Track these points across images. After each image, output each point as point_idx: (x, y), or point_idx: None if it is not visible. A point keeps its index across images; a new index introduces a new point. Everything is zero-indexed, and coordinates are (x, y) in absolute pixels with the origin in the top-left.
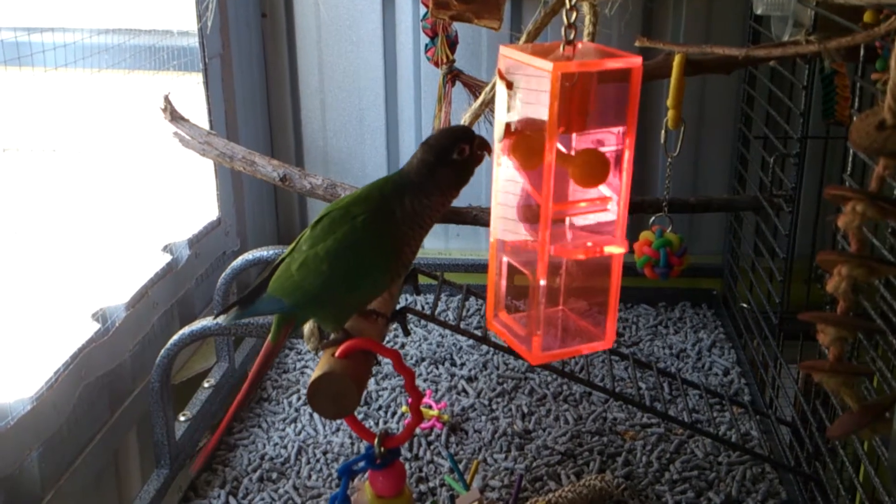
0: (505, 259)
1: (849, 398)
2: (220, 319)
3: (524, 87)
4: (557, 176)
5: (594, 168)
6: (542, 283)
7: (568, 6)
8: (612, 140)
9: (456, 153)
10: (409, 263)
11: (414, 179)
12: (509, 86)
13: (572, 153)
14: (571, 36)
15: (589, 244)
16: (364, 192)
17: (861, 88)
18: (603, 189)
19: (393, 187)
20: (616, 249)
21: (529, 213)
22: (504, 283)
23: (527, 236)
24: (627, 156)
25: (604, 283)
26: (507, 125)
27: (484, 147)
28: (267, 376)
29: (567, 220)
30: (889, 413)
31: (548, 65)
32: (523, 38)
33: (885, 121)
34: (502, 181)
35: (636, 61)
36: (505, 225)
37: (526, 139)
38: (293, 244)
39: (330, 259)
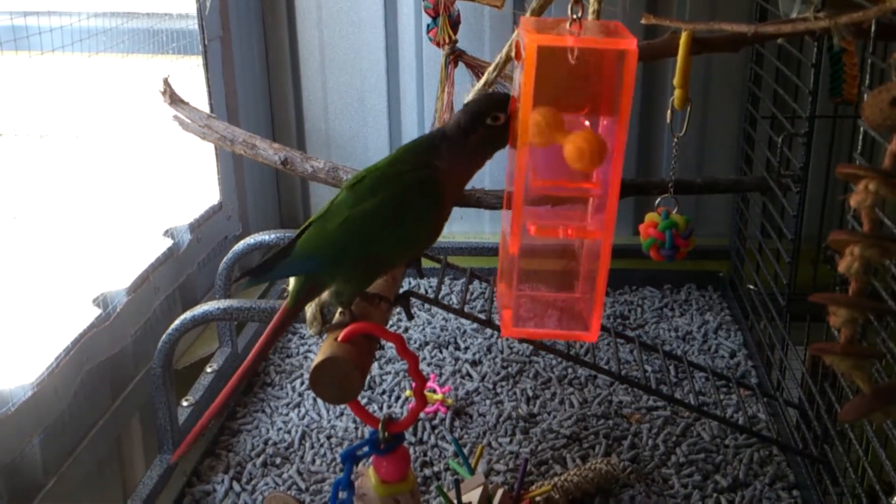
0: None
1: (860, 381)
2: (240, 284)
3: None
4: (551, 156)
5: (590, 150)
6: (516, 259)
7: None
8: (608, 123)
9: (490, 119)
10: (447, 219)
11: (449, 140)
12: (518, 57)
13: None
14: (579, 13)
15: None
16: (402, 152)
17: (872, 65)
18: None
19: (430, 143)
20: (593, 235)
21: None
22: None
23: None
24: (616, 142)
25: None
26: (513, 99)
27: None
28: (270, 361)
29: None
30: None
31: (529, 37)
32: (527, 15)
33: None
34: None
35: (630, 44)
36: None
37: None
38: (322, 209)
39: (377, 214)
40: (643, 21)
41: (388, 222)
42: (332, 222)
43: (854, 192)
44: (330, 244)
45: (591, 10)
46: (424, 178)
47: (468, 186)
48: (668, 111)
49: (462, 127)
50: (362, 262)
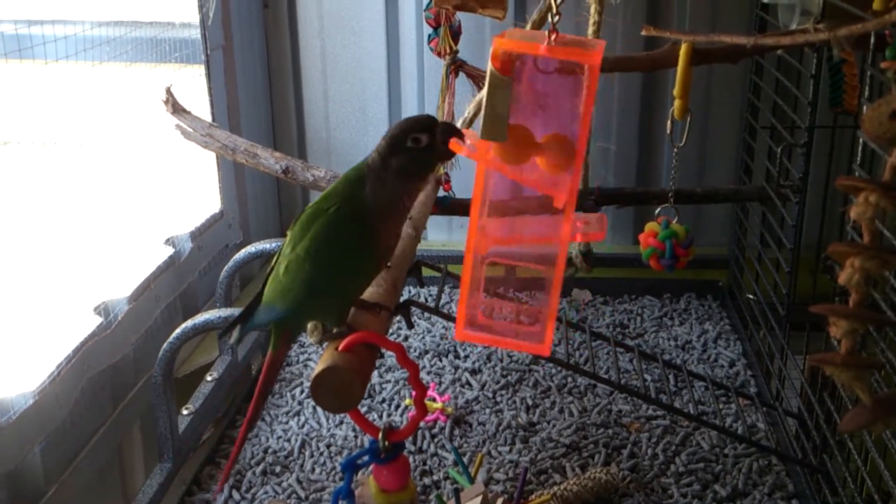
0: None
1: (861, 391)
2: (228, 339)
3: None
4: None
5: (562, 154)
6: (469, 262)
7: None
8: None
9: (410, 142)
10: (392, 247)
11: (372, 167)
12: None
13: (539, 141)
14: (556, 20)
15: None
16: (335, 186)
17: (871, 77)
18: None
19: (357, 176)
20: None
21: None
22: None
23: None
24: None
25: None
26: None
27: (450, 134)
28: None
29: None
30: None
31: (496, 42)
32: (528, 27)
33: None
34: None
35: (595, 59)
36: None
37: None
38: (278, 253)
39: (310, 256)
40: (643, 33)
41: (323, 261)
42: (280, 268)
43: (854, 204)
44: (282, 293)
45: (591, 21)
46: (346, 213)
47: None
48: (669, 121)
49: (381, 154)
50: (317, 301)
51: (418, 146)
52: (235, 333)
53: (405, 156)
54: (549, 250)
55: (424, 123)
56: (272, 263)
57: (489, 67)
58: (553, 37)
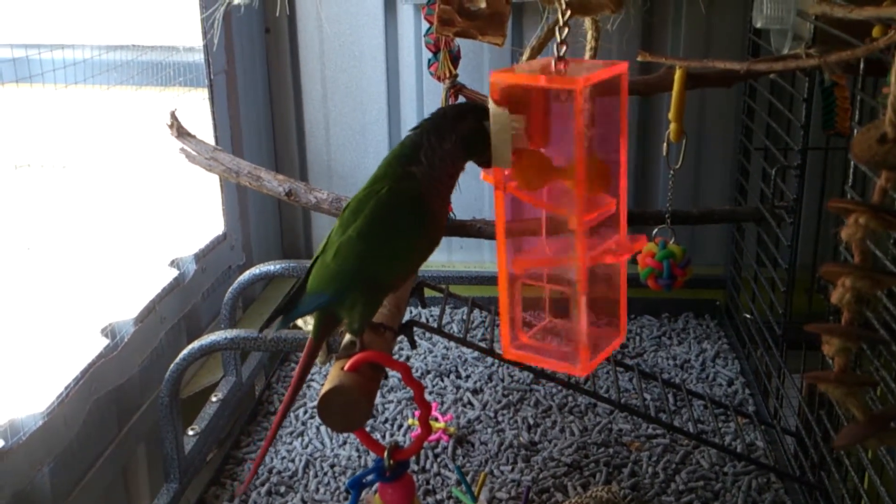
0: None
1: (854, 408)
2: (267, 332)
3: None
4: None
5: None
6: (506, 284)
7: (561, 23)
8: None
9: (476, 122)
10: (443, 226)
11: (429, 142)
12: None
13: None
14: (562, 52)
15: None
16: (382, 168)
17: (861, 101)
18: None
19: (408, 153)
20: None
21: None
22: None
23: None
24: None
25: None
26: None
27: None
28: (273, 390)
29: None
30: (895, 423)
31: (494, 76)
32: (526, 53)
33: (886, 134)
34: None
35: (579, 84)
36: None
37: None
38: (323, 242)
39: (363, 235)
40: (639, 58)
41: (378, 240)
42: (328, 255)
43: (845, 226)
44: (330, 278)
45: (588, 47)
46: (399, 190)
47: (469, 216)
48: (665, 144)
49: (440, 128)
50: (364, 287)
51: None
52: (276, 325)
53: (473, 134)
54: (572, 273)
55: (476, 109)
56: (318, 252)
57: (490, 101)
58: (561, 66)
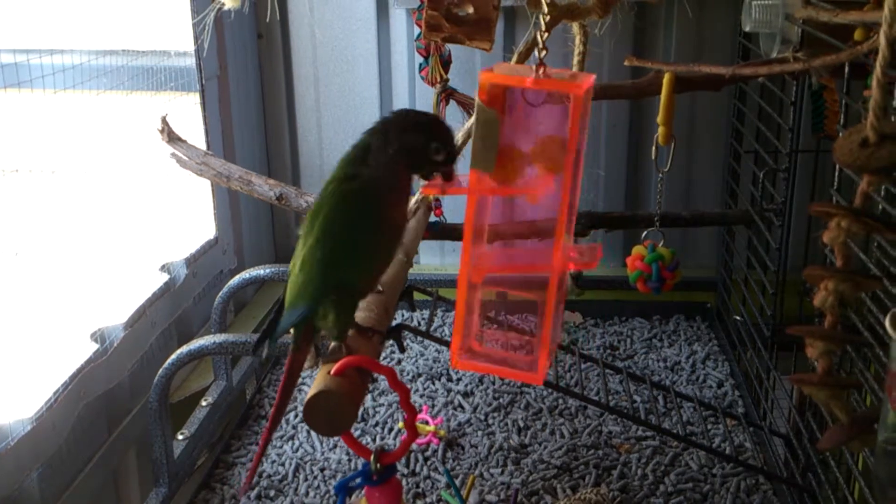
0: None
1: (838, 410)
2: (260, 353)
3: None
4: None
5: (554, 152)
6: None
7: (543, 28)
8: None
9: (432, 149)
10: (400, 226)
11: (378, 144)
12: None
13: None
14: (543, 55)
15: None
16: (333, 173)
17: (847, 105)
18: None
19: (357, 155)
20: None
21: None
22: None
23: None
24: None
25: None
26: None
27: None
28: (264, 394)
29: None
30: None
31: (483, 76)
32: (514, 58)
33: (867, 138)
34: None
35: (579, 89)
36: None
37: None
38: (294, 253)
39: (321, 242)
40: (626, 63)
41: (336, 242)
42: (296, 267)
43: (827, 230)
44: (301, 290)
45: (576, 52)
46: (348, 189)
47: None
48: (654, 147)
49: (392, 133)
50: (334, 294)
51: (434, 155)
52: (265, 349)
53: (420, 148)
54: (541, 277)
55: (453, 149)
56: (291, 265)
57: (476, 100)
58: (541, 70)
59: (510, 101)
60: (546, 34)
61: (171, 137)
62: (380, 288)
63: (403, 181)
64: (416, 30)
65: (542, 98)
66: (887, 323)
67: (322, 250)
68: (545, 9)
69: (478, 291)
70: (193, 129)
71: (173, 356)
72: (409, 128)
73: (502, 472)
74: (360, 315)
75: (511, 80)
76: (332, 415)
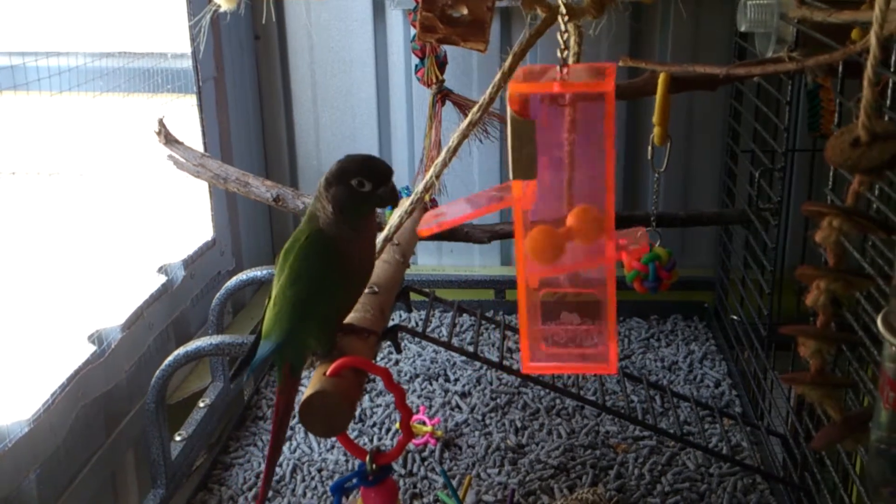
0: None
1: (831, 409)
2: (239, 381)
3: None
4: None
5: (593, 225)
6: (524, 296)
7: (562, 28)
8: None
9: (355, 181)
10: (365, 267)
11: (318, 199)
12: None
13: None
14: (565, 56)
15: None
16: (304, 218)
17: (841, 104)
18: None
19: (313, 205)
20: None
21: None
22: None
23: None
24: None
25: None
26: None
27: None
28: (262, 395)
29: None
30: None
31: (512, 86)
32: (508, 59)
33: (859, 138)
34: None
35: (608, 85)
36: None
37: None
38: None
39: (290, 284)
40: (621, 63)
41: (302, 285)
42: (271, 301)
43: (819, 229)
44: (274, 322)
45: (571, 52)
46: (312, 240)
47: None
48: (649, 147)
49: (327, 182)
50: (309, 324)
51: (360, 189)
52: (245, 376)
53: (346, 192)
54: (597, 273)
55: (376, 170)
56: (268, 298)
57: (508, 112)
58: (565, 71)
59: (534, 106)
60: (567, 34)
61: (169, 139)
62: (375, 289)
63: (357, 226)
64: (413, 31)
65: (565, 100)
66: (879, 322)
67: (291, 291)
68: (563, 10)
69: (538, 293)
70: (190, 131)
71: (170, 358)
72: (332, 182)
73: (499, 473)
74: (356, 316)
75: (539, 88)
76: (327, 415)
